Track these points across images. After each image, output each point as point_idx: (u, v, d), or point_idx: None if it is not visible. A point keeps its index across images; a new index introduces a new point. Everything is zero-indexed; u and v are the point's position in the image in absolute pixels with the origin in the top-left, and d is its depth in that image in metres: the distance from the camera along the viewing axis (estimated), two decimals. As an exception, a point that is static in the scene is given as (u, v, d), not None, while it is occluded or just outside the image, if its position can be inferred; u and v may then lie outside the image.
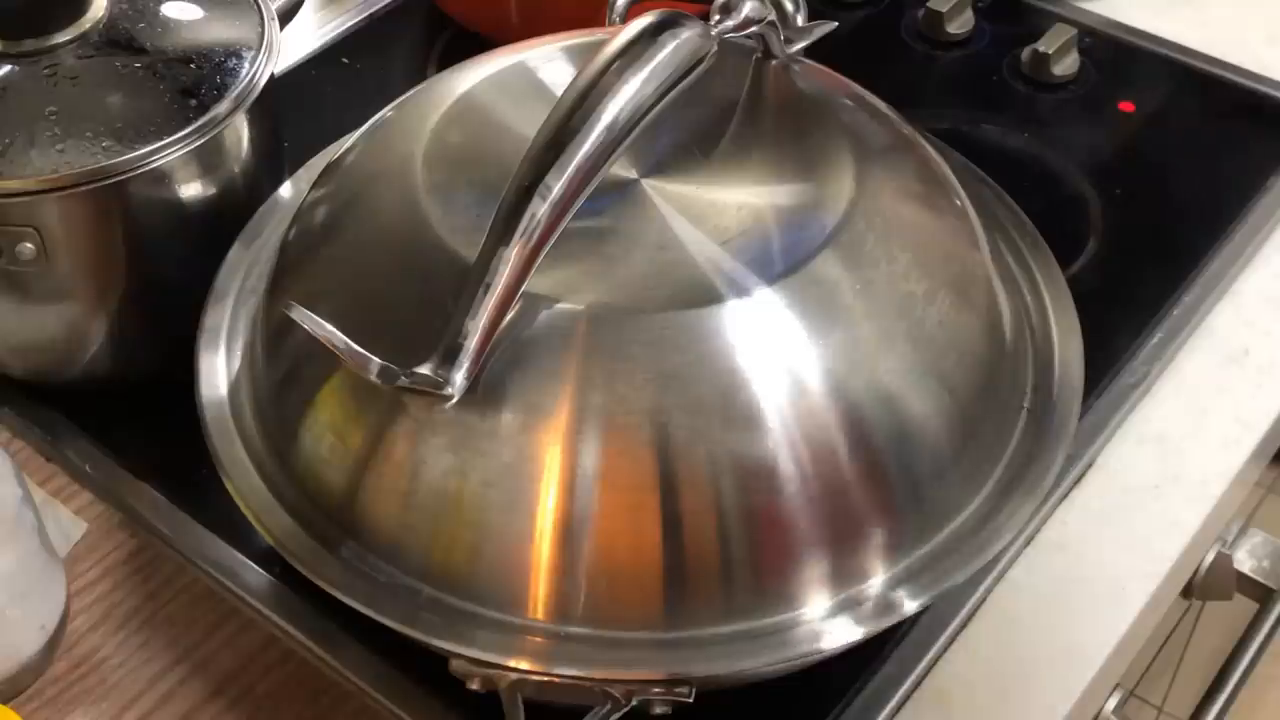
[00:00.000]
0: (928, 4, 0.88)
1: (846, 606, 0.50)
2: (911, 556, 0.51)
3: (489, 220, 0.48)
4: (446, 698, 0.56)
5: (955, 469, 0.53)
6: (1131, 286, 0.73)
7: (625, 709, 0.49)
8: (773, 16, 0.57)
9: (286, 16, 0.69)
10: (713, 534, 0.49)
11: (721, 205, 0.53)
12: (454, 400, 0.47)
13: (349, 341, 0.48)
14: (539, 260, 0.48)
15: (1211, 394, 0.69)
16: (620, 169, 0.53)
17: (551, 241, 0.48)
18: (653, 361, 0.48)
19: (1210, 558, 0.72)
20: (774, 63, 0.59)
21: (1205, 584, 0.72)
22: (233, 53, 0.64)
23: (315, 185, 0.60)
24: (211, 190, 0.63)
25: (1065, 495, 0.65)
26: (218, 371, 0.58)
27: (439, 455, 0.49)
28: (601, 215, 0.52)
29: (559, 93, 0.49)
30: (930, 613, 0.59)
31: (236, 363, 0.59)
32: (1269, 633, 0.70)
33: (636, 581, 0.49)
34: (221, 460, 0.55)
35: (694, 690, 0.49)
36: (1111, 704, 0.66)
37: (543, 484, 0.48)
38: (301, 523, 0.53)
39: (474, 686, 0.50)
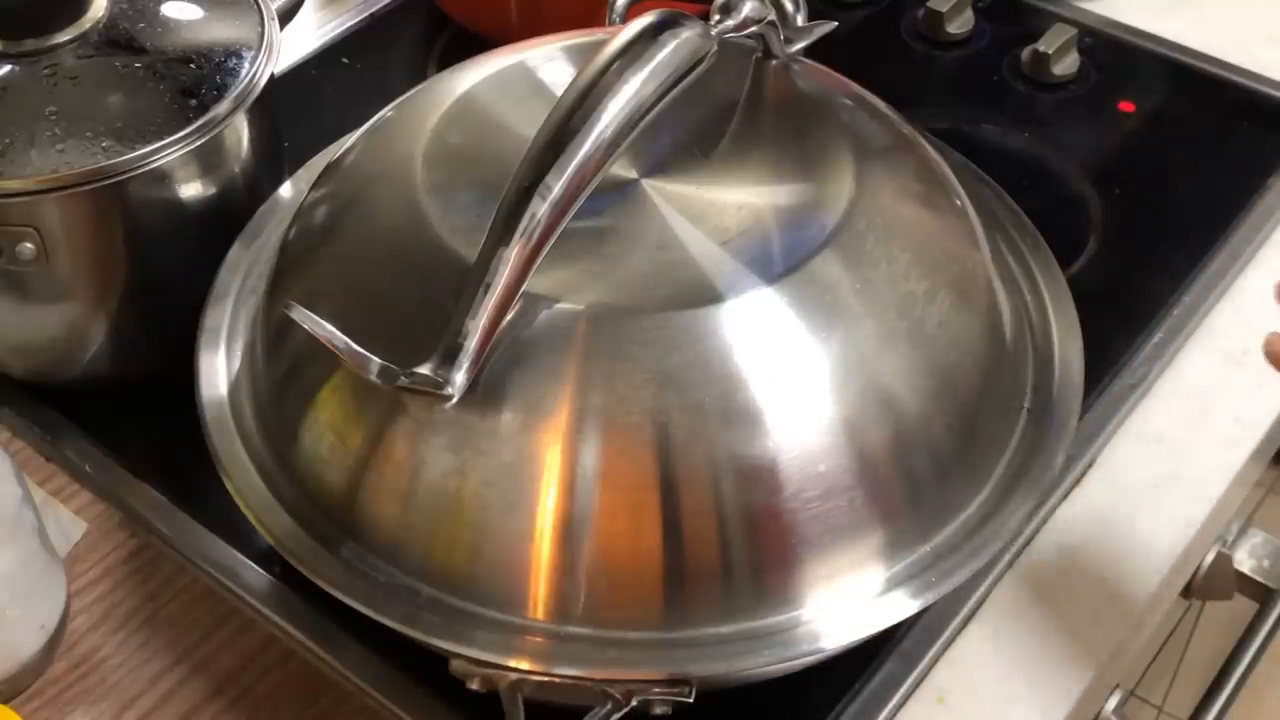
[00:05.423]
0: (928, 4, 0.88)
1: (847, 606, 0.50)
2: (912, 556, 0.51)
3: (489, 220, 0.48)
4: (446, 698, 0.56)
5: (955, 469, 0.53)
6: (1131, 286, 0.73)
7: (625, 709, 0.49)
8: (773, 16, 0.57)
9: (286, 16, 0.69)
10: (712, 534, 0.49)
11: (721, 205, 0.53)
12: (454, 400, 0.47)
13: (349, 341, 0.48)
14: (539, 260, 0.48)
15: (1211, 394, 0.69)
16: (620, 169, 0.53)
17: (551, 241, 0.48)
18: (653, 361, 0.48)
19: (1210, 558, 0.72)
20: (774, 63, 0.59)
21: (1205, 584, 0.72)
22: (233, 53, 0.64)
23: (315, 185, 0.60)
24: (211, 190, 0.63)
25: (1065, 495, 0.65)
26: (218, 371, 0.58)
27: (439, 455, 0.49)
28: (601, 215, 0.52)
29: (559, 93, 0.49)
30: (930, 612, 0.59)
31: (236, 363, 0.59)
32: (1269, 633, 0.70)
33: (636, 581, 0.49)
34: (221, 460, 0.55)
35: (694, 690, 0.49)
36: (1111, 704, 0.66)
37: (543, 484, 0.48)
38: (301, 523, 0.53)
39: (474, 686, 0.50)
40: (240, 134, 0.64)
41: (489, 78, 0.58)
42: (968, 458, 0.53)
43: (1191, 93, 0.85)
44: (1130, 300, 0.72)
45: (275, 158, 0.68)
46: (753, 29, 0.56)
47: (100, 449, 0.66)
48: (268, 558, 0.61)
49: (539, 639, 0.49)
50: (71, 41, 0.62)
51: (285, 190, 0.65)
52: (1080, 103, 0.84)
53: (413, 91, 0.61)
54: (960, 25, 0.88)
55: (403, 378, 0.47)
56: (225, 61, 0.63)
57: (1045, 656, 0.59)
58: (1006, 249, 0.62)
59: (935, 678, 0.59)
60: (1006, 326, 0.57)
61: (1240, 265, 0.74)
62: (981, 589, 0.61)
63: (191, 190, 0.63)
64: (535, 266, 0.48)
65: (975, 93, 0.86)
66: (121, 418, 0.67)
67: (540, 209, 0.47)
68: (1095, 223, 0.77)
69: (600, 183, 0.49)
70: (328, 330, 0.48)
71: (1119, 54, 0.87)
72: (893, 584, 0.51)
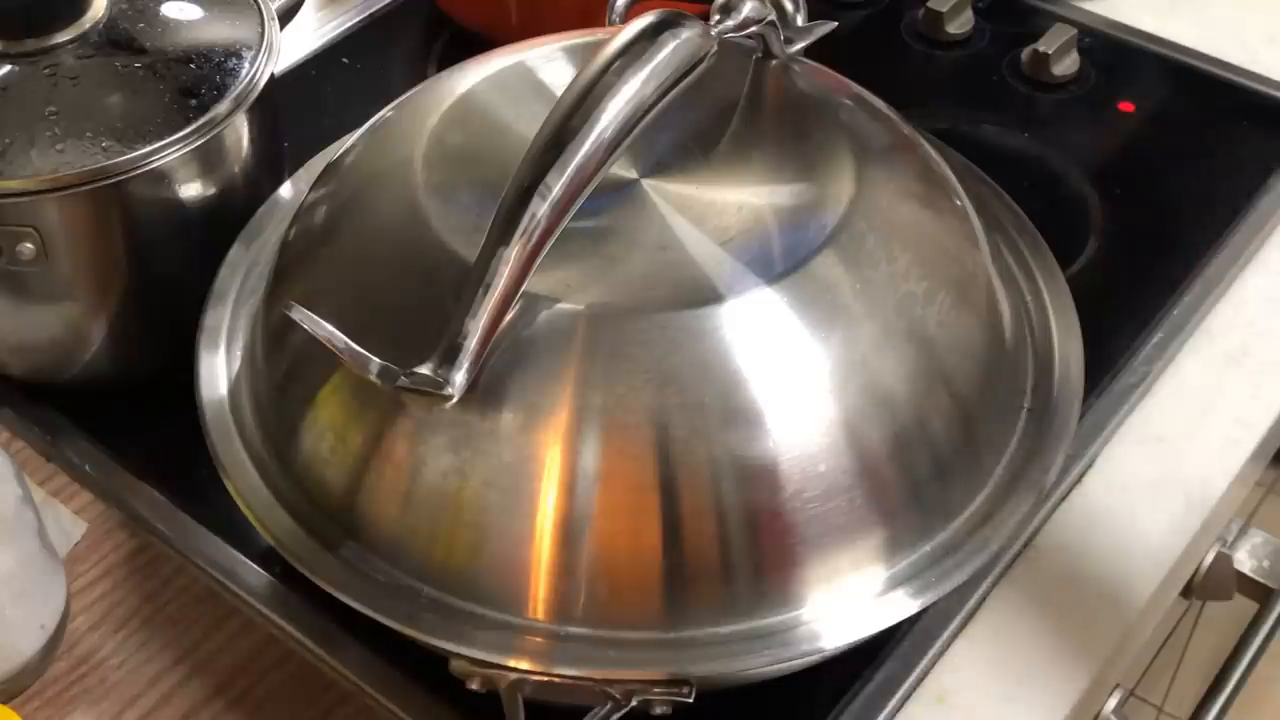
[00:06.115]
0: (928, 4, 0.88)
1: (847, 606, 0.50)
2: (912, 556, 0.51)
3: (489, 220, 0.48)
4: (446, 698, 0.56)
5: (955, 468, 0.53)
6: (1131, 286, 0.73)
7: (625, 709, 0.49)
8: (773, 16, 0.57)
9: (286, 16, 0.69)
10: (713, 534, 0.49)
11: (721, 205, 0.53)
12: (454, 400, 0.47)
13: (349, 341, 0.48)
14: (539, 260, 0.48)
15: (1211, 394, 0.69)
16: (620, 169, 0.53)
17: (551, 241, 0.48)
18: (653, 361, 0.48)
19: (1210, 558, 0.72)
20: (774, 63, 0.59)
21: (1205, 584, 0.72)
22: (233, 53, 0.64)
23: (315, 185, 0.60)
24: (211, 190, 0.63)
25: (1065, 495, 0.65)
26: (218, 371, 0.58)
27: (439, 455, 0.49)
28: (601, 215, 0.52)
29: (559, 93, 0.49)
30: (930, 612, 0.59)
31: (236, 363, 0.59)
32: (1269, 633, 0.70)
33: (636, 581, 0.49)
34: (221, 460, 0.55)
35: (694, 690, 0.49)
36: (1111, 704, 0.66)
37: (543, 484, 0.48)
38: (301, 523, 0.53)
39: (474, 686, 0.50)
40: (240, 134, 0.64)
41: (489, 78, 0.58)
42: (968, 457, 0.53)
43: (1191, 93, 0.85)
44: (1130, 300, 0.72)
45: (275, 158, 0.68)
46: (753, 29, 0.56)
47: (100, 449, 0.66)
48: (268, 558, 0.61)
49: (539, 639, 0.49)
50: (71, 41, 0.62)
51: (285, 190, 0.65)
52: (1080, 103, 0.84)
53: (413, 91, 0.61)
54: (960, 25, 0.88)
55: (403, 378, 0.47)
56: (225, 61, 0.63)
57: (1045, 656, 0.59)
58: (1006, 249, 0.62)
59: (935, 678, 0.59)
60: (1006, 326, 0.57)
61: (1240, 265, 0.74)
62: (981, 589, 0.61)
63: (191, 190, 0.63)
64: (535, 266, 0.48)
65: (975, 93, 0.86)
66: (121, 418, 0.67)
67: (540, 209, 0.47)
68: (1095, 223, 0.77)
69: (600, 183, 0.49)
70: (328, 330, 0.48)
71: (1119, 54, 0.87)
72: (893, 584, 0.51)
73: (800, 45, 0.60)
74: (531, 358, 0.49)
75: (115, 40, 0.63)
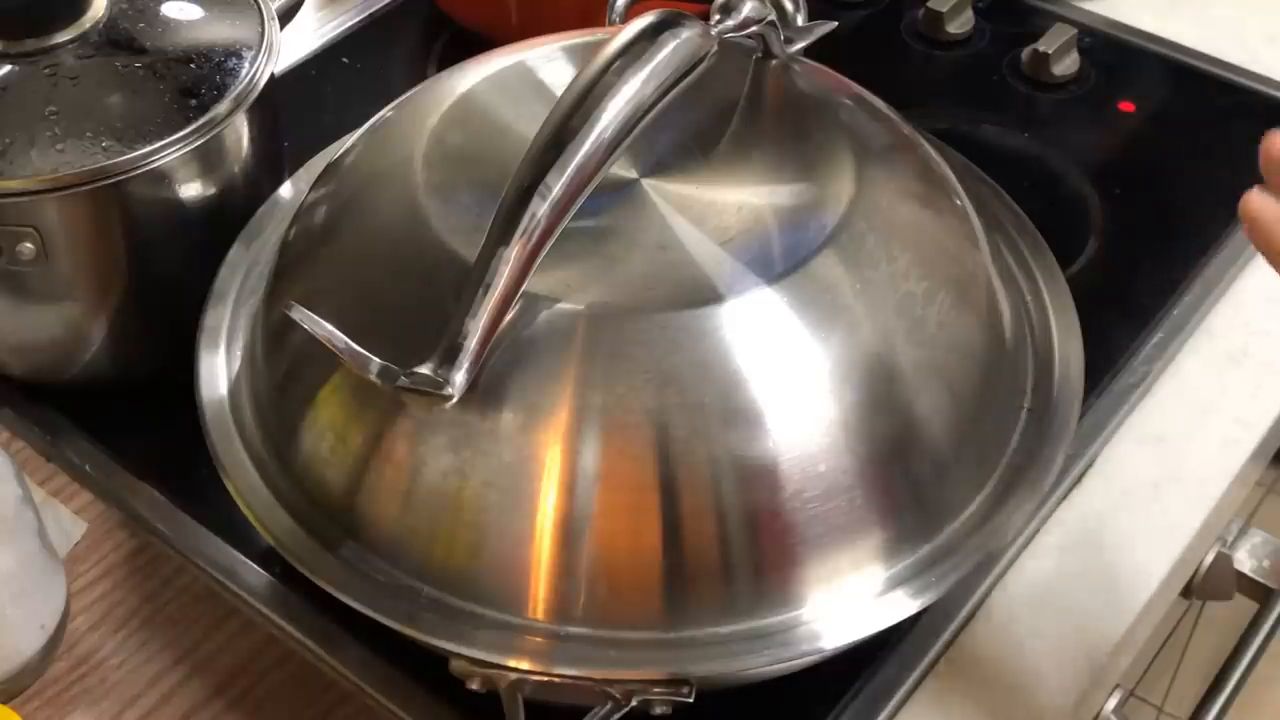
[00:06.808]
0: (928, 4, 0.88)
1: (847, 606, 0.50)
2: (912, 556, 0.51)
3: (489, 220, 0.48)
4: (446, 698, 0.56)
5: (955, 468, 0.53)
6: (1131, 286, 0.73)
7: (625, 709, 0.49)
8: (773, 16, 0.57)
9: (286, 16, 0.69)
10: (713, 534, 0.49)
11: (721, 205, 0.53)
12: (454, 400, 0.47)
13: (349, 341, 0.48)
14: (539, 260, 0.48)
15: (1211, 394, 0.69)
16: (620, 169, 0.53)
17: (551, 241, 0.48)
18: (653, 361, 0.48)
19: (1210, 558, 0.72)
20: (774, 63, 0.59)
21: (1205, 584, 0.72)
22: (233, 53, 0.64)
23: (315, 185, 0.60)
24: (211, 190, 0.63)
25: (1065, 495, 0.65)
26: (218, 371, 0.58)
27: (439, 455, 0.49)
28: (601, 215, 0.52)
29: (559, 93, 0.49)
30: (930, 612, 0.59)
31: (236, 363, 0.59)
32: (1269, 633, 0.70)
33: (636, 581, 0.49)
34: (221, 460, 0.55)
35: (694, 690, 0.49)
36: (1111, 704, 0.66)
37: (543, 484, 0.48)
38: (301, 523, 0.53)
39: (474, 686, 0.50)
40: (240, 134, 0.64)
41: (489, 78, 0.58)
42: (968, 458, 0.53)
43: (1191, 93, 0.85)
44: (1130, 300, 0.72)
45: (275, 158, 0.68)
46: (753, 29, 0.56)
47: (100, 449, 0.66)
48: (268, 558, 0.61)
49: (539, 639, 0.49)
50: (71, 41, 0.62)
51: (285, 190, 0.65)
52: (1080, 103, 0.84)
53: (413, 91, 0.61)
54: (960, 25, 0.88)
55: (403, 378, 0.47)
56: (225, 61, 0.63)
57: (1045, 656, 0.59)
58: (1006, 249, 0.62)
59: (935, 678, 0.59)
60: (1006, 326, 0.57)
61: (1240, 265, 0.74)
62: (982, 589, 0.61)
63: (191, 190, 0.63)
64: (535, 266, 0.48)
65: (975, 93, 0.86)
66: (121, 418, 0.67)
67: (540, 209, 0.47)
68: (1095, 223, 0.77)
69: (600, 183, 0.49)
70: (327, 330, 0.48)
71: (1119, 54, 0.87)
72: (893, 584, 0.51)
73: (800, 45, 0.60)
74: (531, 358, 0.49)
75: (115, 40, 0.63)
